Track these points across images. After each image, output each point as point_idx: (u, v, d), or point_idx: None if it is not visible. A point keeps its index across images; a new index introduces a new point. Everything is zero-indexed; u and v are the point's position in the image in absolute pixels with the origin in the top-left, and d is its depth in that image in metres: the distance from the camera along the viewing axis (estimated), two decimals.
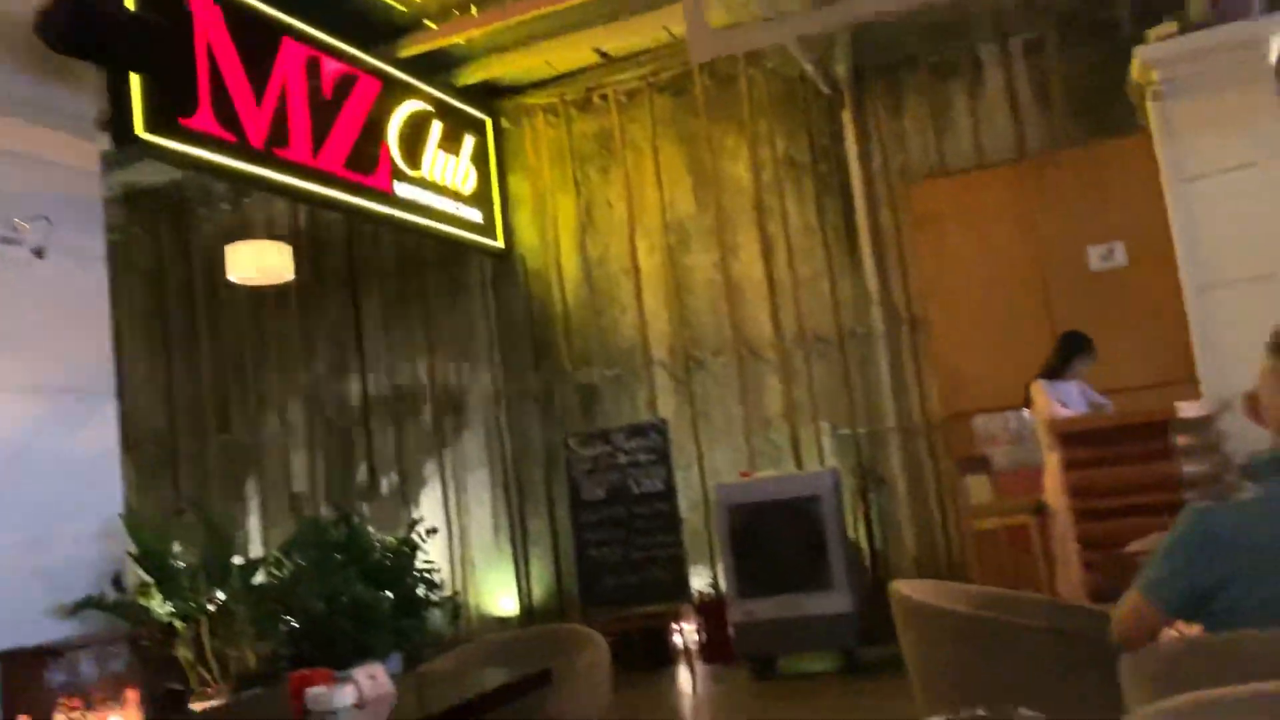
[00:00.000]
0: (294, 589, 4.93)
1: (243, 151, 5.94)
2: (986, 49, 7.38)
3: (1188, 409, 4.89)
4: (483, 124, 8.29)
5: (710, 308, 7.91)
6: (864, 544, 7.30)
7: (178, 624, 4.71)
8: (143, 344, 9.28)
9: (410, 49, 7.35)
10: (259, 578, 5.17)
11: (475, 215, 8.04)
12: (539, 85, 8.34)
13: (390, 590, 5.19)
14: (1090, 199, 6.50)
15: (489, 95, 8.34)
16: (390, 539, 5.61)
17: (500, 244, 8.30)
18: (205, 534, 5.03)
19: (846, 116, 7.53)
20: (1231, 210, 5.83)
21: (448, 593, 6.54)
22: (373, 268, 8.84)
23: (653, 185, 8.08)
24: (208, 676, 4.63)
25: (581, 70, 8.19)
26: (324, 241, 8.90)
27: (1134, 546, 3.40)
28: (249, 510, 9.00)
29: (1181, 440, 4.67)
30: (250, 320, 9.11)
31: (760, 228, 7.79)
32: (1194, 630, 1.90)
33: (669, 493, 7.44)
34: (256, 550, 8.30)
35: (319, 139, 6.52)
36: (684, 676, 6.90)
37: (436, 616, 5.96)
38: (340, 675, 2.64)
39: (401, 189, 7.25)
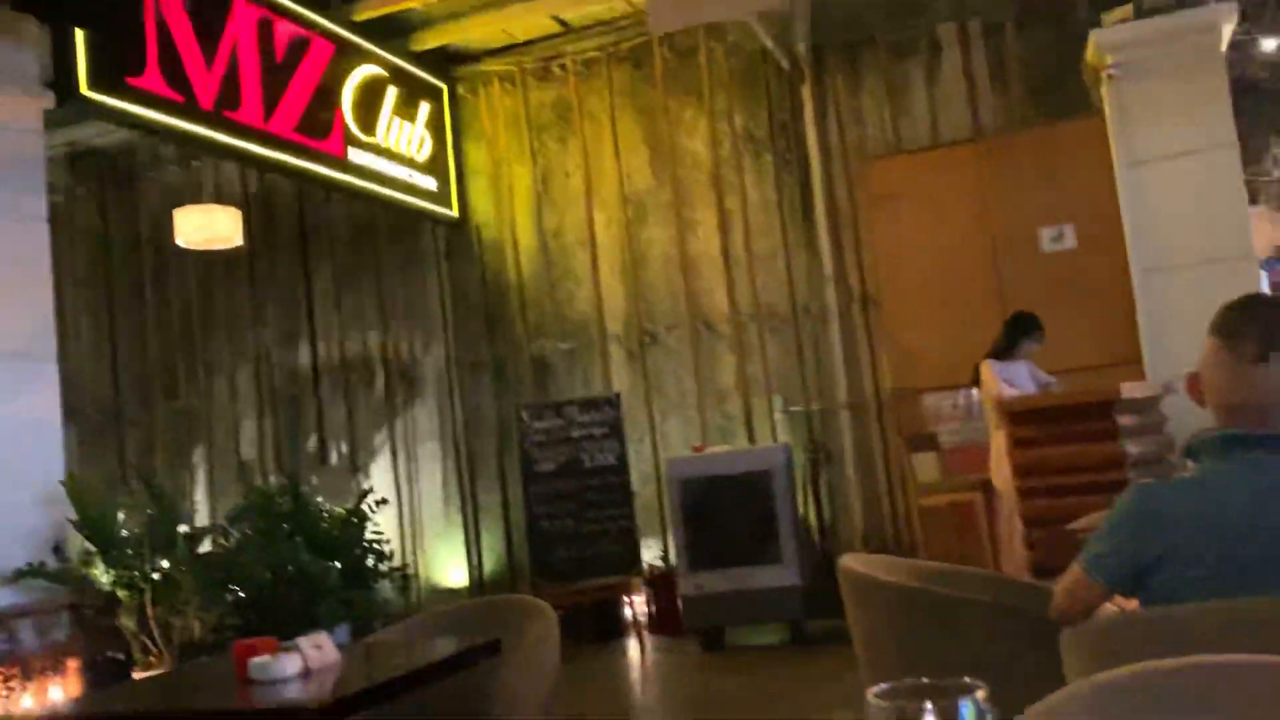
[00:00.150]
0: (240, 558, 4.88)
1: (191, 113, 5.81)
2: (945, 29, 7.40)
3: (1132, 390, 4.98)
4: (439, 91, 8.18)
5: (666, 282, 7.90)
6: (813, 519, 7.37)
7: (121, 593, 4.65)
8: (87, 308, 9.09)
9: (366, 12, 7.23)
10: (205, 547, 5.12)
11: (430, 183, 7.95)
12: (496, 53, 8.24)
13: (338, 561, 5.16)
14: (1043, 181, 6.57)
15: (446, 62, 8.23)
16: (339, 509, 5.57)
17: (455, 213, 8.22)
18: (150, 502, 4.96)
19: (806, 93, 7.53)
20: (1179, 195, 5.93)
21: (397, 564, 6.52)
22: (325, 234, 8.71)
23: (610, 157, 8.03)
24: (151, 646, 4.58)
25: (540, 39, 8.10)
26: (275, 207, 8.75)
27: (1076, 524, 3.46)
28: (196, 479, 8.88)
29: (1125, 420, 4.75)
30: (199, 286, 8.96)
31: (718, 203, 7.78)
32: (1132, 605, 1.94)
33: (621, 466, 7.46)
34: (203, 519, 8.20)
35: (271, 102, 6.40)
36: (633, 648, 6.94)
37: (385, 588, 5.94)
38: (285, 645, 2.62)
39: (355, 155, 7.14)
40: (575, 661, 5.70)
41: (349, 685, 2.53)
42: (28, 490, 4.77)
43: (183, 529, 4.98)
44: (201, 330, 8.98)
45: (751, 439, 7.56)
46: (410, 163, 7.73)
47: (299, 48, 6.69)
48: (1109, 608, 1.97)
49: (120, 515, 4.90)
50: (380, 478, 8.30)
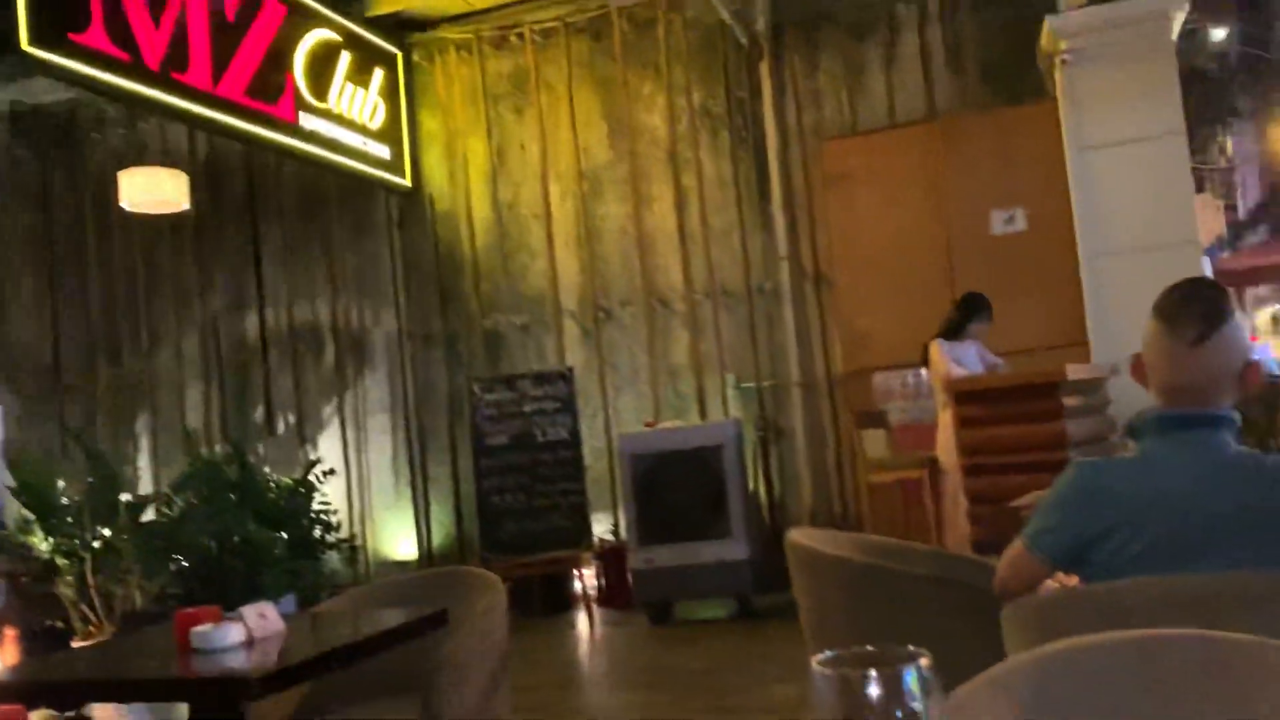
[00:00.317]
0: (184, 527, 4.81)
1: (136, 72, 5.67)
2: (904, 10, 7.43)
3: (1077, 371, 5.05)
4: (393, 57, 8.06)
5: (621, 257, 7.88)
6: (763, 494, 7.43)
7: (60, 561, 4.57)
8: (27, 271, 8.87)
9: None
10: (148, 515, 5.04)
11: (383, 151, 7.85)
12: (453, 20, 8.12)
13: (285, 531, 5.11)
14: (996, 164, 6.63)
15: (401, 28, 8.10)
16: (286, 480, 5.52)
17: (408, 182, 8.12)
18: (91, 470, 4.87)
19: (764, 70, 7.52)
20: (1128, 181, 6.01)
21: (345, 535, 6.48)
22: (274, 200, 8.57)
23: (567, 129, 7.97)
24: (91, 615, 4.51)
25: (497, 7, 7.99)
26: (223, 171, 8.58)
27: (1018, 502, 3.51)
28: (140, 447, 8.73)
29: (1070, 402, 4.82)
30: (144, 251, 8.77)
31: (674, 179, 7.76)
32: (1073, 581, 1.98)
33: (573, 441, 7.45)
34: (147, 488, 8.07)
35: (220, 64, 6.26)
36: (582, 621, 6.96)
37: (333, 559, 5.90)
38: (229, 614, 2.59)
39: (306, 120, 7.02)
40: (523, 634, 5.70)
41: (293, 654, 2.51)
42: None
43: (125, 497, 4.90)
44: (146, 296, 8.80)
45: (704, 415, 7.59)
46: (363, 130, 7.61)
47: (250, 9, 6.55)
48: (1050, 583, 2.00)
49: (60, 482, 4.81)
50: (329, 449, 8.22)
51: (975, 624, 1.99)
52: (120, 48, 5.56)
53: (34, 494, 4.63)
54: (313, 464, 5.67)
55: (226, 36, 6.32)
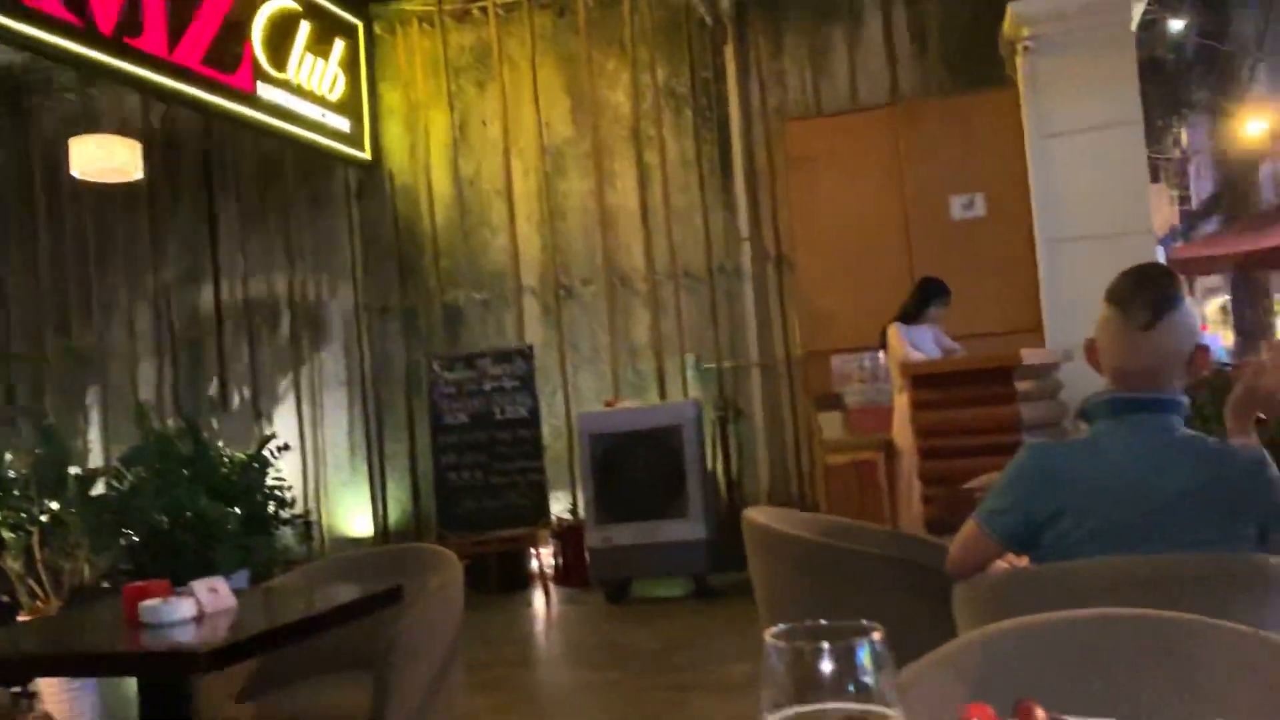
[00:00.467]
0: (135, 502, 4.74)
1: (88, 37, 5.54)
2: None
3: (1031, 356, 5.11)
4: (354, 28, 7.94)
5: (583, 235, 7.85)
6: (721, 474, 7.46)
7: (6, 534, 4.48)
8: None
9: None
10: (98, 489, 4.95)
11: (342, 124, 7.74)
12: None
13: (238, 506, 5.04)
14: (956, 149, 6.67)
15: None
16: (240, 455, 5.45)
17: (367, 155, 8.02)
18: (39, 441, 4.78)
19: (729, 51, 7.50)
20: (1086, 169, 6.07)
21: (299, 511, 6.41)
22: (231, 171, 8.43)
23: (530, 105, 7.91)
24: (38, 589, 4.43)
25: None
26: (178, 140, 8.42)
27: (971, 484, 3.55)
28: (90, 420, 8.59)
29: (1024, 386, 4.88)
30: (95, 220, 8.60)
31: (637, 157, 7.73)
32: (1023, 561, 2.01)
33: (533, 419, 7.43)
34: (97, 461, 7.93)
35: (176, 31, 6.14)
36: (538, 599, 6.97)
37: (287, 535, 5.84)
38: (179, 589, 2.55)
39: (264, 91, 6.90)
40: (479, 611, 5.70)
41: (244, 629, 2.48)
42: None
43: (74, 470, 4.80)
44: (97, 266, 8.63)
45: (663, 395, 7.59)
46: (322, 101, 7.50)
47: None
48: (1001, 564, 2.03)
49: (7, 455, 4.71)
50: (284, 424, 8.12)
51: (928, 603, 2.01)
52: (72, 11, 5.43)
53: None
54: (267, 439, 5.60)
55: (183, 3, 6.20)
